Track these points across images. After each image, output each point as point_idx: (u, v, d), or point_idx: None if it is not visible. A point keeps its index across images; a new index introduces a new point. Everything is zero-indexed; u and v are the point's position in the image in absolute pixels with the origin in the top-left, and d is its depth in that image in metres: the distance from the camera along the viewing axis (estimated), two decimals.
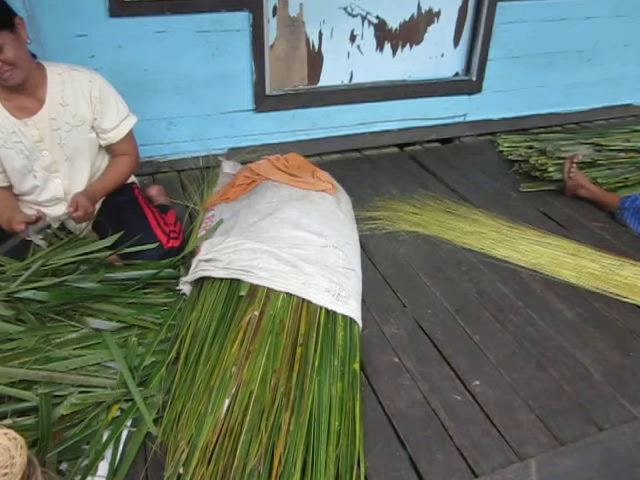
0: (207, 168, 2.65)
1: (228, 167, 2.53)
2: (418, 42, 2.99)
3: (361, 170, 2.87)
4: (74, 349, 1.52)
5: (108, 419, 1.39)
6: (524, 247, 2.16)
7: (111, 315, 1.63)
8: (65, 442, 1.32)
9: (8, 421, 1.32)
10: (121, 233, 1.78)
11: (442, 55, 3.08)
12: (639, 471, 1.37)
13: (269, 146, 2.81)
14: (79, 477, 1.27)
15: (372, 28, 2.85)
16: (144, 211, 1.98)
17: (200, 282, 1.76)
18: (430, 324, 1.80)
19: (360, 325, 1.68)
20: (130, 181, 2.12)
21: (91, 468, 1.28)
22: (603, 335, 1.79)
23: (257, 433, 1.31)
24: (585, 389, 1.58)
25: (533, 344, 1.74)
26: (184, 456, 1.28)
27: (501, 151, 3.08)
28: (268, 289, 1.65)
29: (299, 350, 1.51)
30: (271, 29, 2.65)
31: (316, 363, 1.49)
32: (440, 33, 3.00)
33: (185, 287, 1.78)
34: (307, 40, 2.77)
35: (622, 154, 2.76)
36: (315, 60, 2.84)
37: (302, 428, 1.33)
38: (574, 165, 2.54)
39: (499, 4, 2.92)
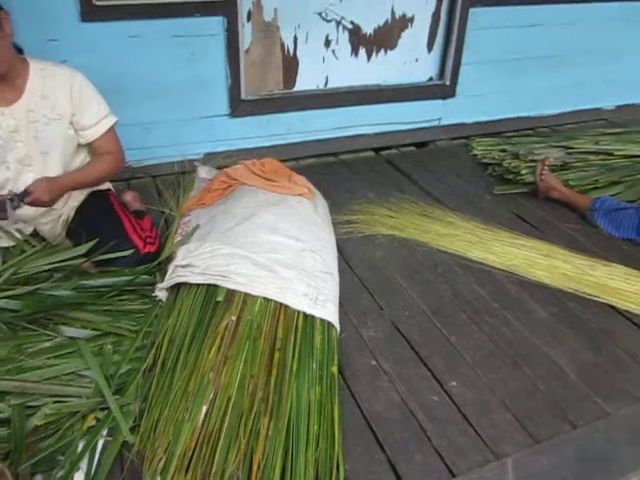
0: (183, 173, 2.63)
1: (204, 172, 2.51)
2: (392, 47, 3.02)
3: (337, 174, 2.88)
4: (48, 358, 1.49)
5: (83, 429, 1.37)
6: (498, 249, 2.19)
7: (86, 323, 1.61)
8: (39, 453, 1.30)
9: None
10: (96, 240, 1.76)
11: (416, 60, 3.12)
12: (612, 467, 1.40)
13: (245, 151, 2.81)
14: None
15: (347, 33, 2.87)
16: (120, 217, 1.95)
17: (177, 288, 1.75)
18: (407, 326, 1.82)
19: (338, 329, 1.68)
20: (105, 187, 2.10)
21: (66, 479, 1.26)
22: (576, 334, 1.82)
23: (235, 439, 1.30)
24: (559, 388, 1.61)
25: (508, 344, 1.76)
26: (162, 464, 1.26)
27: (475, 154, 3.12)
28: (245, 294, 1.64)
29: (277, 355, 1.51)
30: (246, 34, 2.65)
31: (294, 367, 1.48)
32: (414, 38, 3.04)
33: (161, 293, 1.76)
34: (282, 45, 2.77)
35: (592, 156, 2.83)
36: (290, 65, 2.84)
37: (281, 433, 1.33)
38: (546, 168, 2.59)
39: (471, 10, 2.97)
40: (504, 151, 2.97)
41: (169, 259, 1.86)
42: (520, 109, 3.48)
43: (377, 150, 3.18)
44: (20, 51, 1.76)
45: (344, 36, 2.88)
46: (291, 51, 2.81)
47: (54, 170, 1.86)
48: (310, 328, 1.62)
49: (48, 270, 1.70)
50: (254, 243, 1.81)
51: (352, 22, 2.85)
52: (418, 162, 3.06)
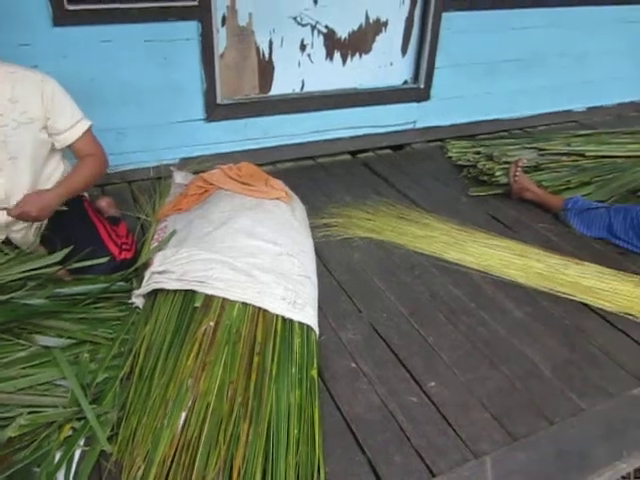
0: (159, 179, 2.61)
1: (180, 177, 2.50)
2: (367, 51, 3.04)
3: (315, 178, 2.89)
4: (22, 368, 1.46)
5: (60, 439, 1.34)
6: (474, 250, 2.22)
7: (61, 332, 1.58)
8: (14, 465, 1.27)
9: None
10: (71, 247, 1.74)
11: (391, 64, 3.14)
12: (588, 462, 1.43)
13: (221, 155, 2.80)
14: None
15: (322, 37, 2.89)
16: (94, 223, 1.93)
17: (154, 294, 1.73)
18: (385, 328, 1.83)
19: (317, 332, 1.69)
20: None
21: None
22: (551, 332, 1.85)
23: (215, 445, 1.29)
24: (536, 385, 1.64)
25: (485, 344, 1.79)
26: (140, 473, 1.25)
27: (450, 157, 3.16)
28: (223, 299, 1.63)
29: (256, 359, 1.50)
30: (220, 38, 2.64)
31: (274, 371, 1.48)
32: (388, 42, 3.06)
33: (138, 300, 1.74)
34: (257, 49, 2.77)
35: (564, 158, 2.89)
36: (266, 69, 2.84)
37: (261, 438, 1.32)
38: (519, 169, 2.63)
39: (444, 14, 3.01)
40: (478, 153, 3.00)
41: (146, 265, 1.84)
42: (493, 111, 3.53)
43: (354, 153, 3.20)
44: None
45: (319, 40, 2.89)
46: (266, 55, 2.81)
47: (24, 176, 1.83)
48: (289, 332, 1.62)
49: (22, 278, 1.67)
50: (232, 248, 1.81)
51: (327, 26, 2.87)
52: (394, 165, 3.09)
